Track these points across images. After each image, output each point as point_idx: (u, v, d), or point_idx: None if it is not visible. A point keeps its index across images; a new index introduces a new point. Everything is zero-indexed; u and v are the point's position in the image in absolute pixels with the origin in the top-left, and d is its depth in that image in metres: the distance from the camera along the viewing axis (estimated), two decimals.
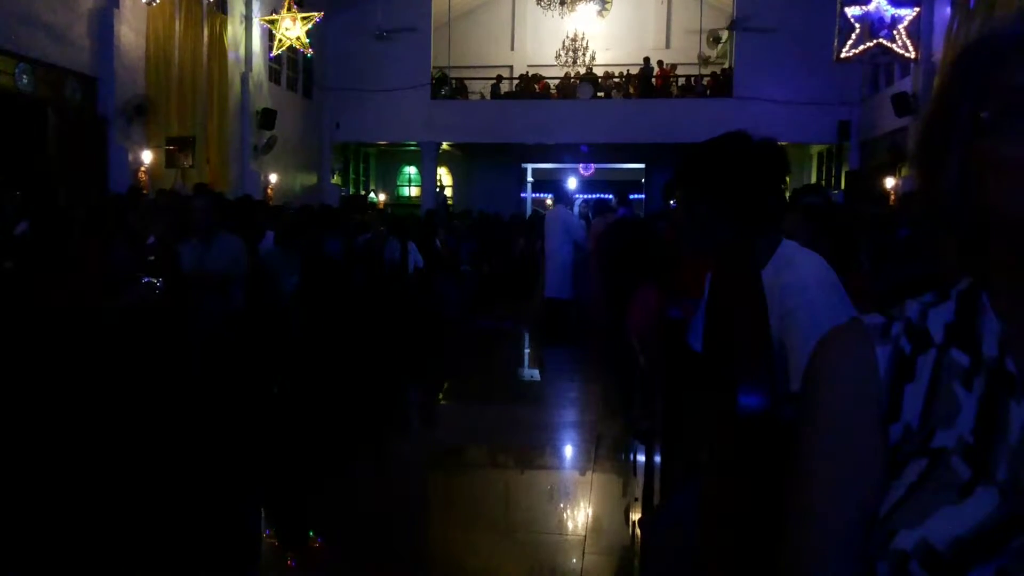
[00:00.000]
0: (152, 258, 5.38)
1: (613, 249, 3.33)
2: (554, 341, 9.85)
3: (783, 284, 1.68)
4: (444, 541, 3.99)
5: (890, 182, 13.75)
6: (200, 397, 4.89)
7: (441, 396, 7.43)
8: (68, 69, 10.49)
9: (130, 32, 11.42)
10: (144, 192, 10.62)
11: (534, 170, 23.47)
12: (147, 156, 11.64)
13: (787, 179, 1.84)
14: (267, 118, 15.26)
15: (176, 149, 12.00)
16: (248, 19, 14.89)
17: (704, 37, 19.82)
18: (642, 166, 21.23)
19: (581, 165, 22.29)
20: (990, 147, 0.71)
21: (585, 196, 15.55)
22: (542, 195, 22.57)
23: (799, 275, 1.71)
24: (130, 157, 11.41)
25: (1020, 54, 0.71)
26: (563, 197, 11.50)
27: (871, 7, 12.55)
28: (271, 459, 4.85)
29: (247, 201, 8.28)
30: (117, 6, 11.07)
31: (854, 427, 0.78)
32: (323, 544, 3.95)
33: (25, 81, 9.74)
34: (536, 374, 8.66)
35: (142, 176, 11.45)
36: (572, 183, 21.59)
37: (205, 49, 13.33)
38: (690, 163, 1.86)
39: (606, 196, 10.31)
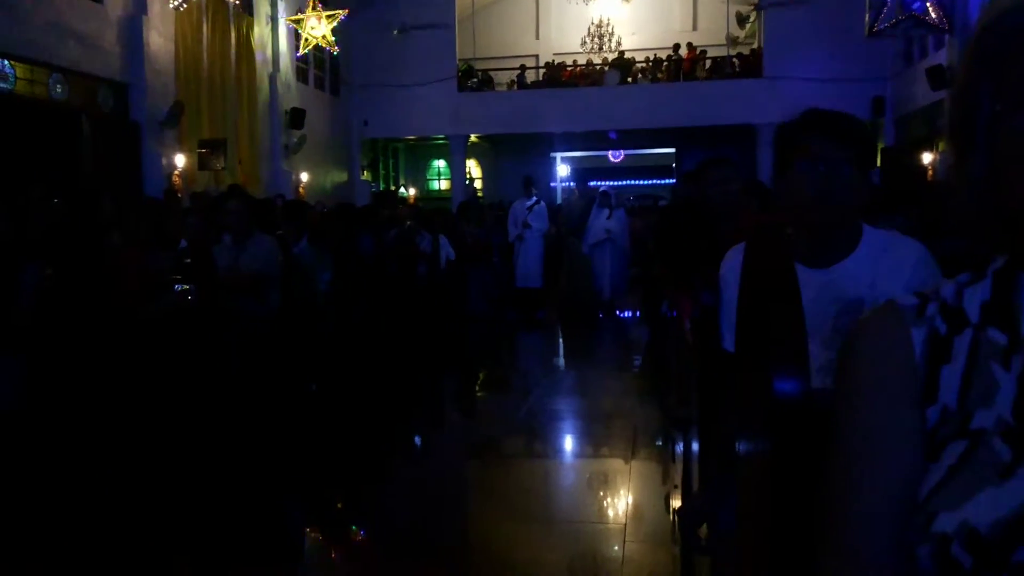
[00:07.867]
0: (188, 261, 5.45)
1: (671, 234, 3.27)
2: (579, 331, 9.85)
3: (884, 268, 1.65)
4: (485, 531, 4.01)
5: (927, 157, 13.48)
6: (238, 397, 4.95)
7: (477, 388, 7.46)
8: (100, 77, 10.66)
9: (159, 38, 11.57)
10: (179, 196, 10.78)
11: (563, 159, 23.38)
12: (180, 160, 11.79)
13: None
14: (296, 117, 15.37)
15: (208, 152, 12.13)
16: (274, 20, 14.99)
17: (731, 17, 19.55)
18: (672, 150, 21.05)
19: (611, 152, 22.15)
20: (1007, 140, 0.69)
21: (602, 184, 14.47)
22: (571, 184, 22.39)
23: (898, 259, 1.66)
24: (164, 161, 11.56)
25: None
26: (541, 191, 11.26)
27: None
28: (312, 455, 4.91)
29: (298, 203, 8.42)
30: (145, 13, 11.21)
31: (890, 410, 0.77)
32: (366, 536, 3.99)
33: (59, 90, 9.93)
34: (570, 363, 8.65)
35: (176, 180, 11.60)
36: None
37: (233, 51, 13.45)
38: (843, 122, 1.83)
39: (645, 191, 10.08)
